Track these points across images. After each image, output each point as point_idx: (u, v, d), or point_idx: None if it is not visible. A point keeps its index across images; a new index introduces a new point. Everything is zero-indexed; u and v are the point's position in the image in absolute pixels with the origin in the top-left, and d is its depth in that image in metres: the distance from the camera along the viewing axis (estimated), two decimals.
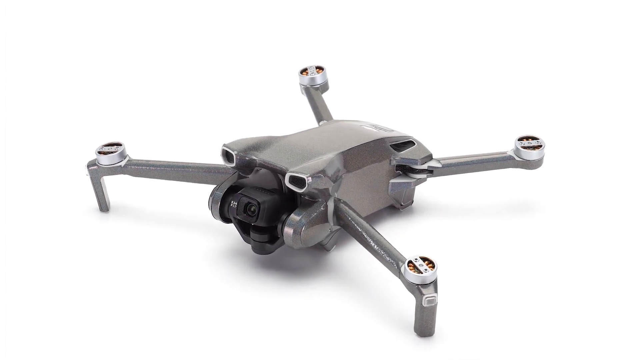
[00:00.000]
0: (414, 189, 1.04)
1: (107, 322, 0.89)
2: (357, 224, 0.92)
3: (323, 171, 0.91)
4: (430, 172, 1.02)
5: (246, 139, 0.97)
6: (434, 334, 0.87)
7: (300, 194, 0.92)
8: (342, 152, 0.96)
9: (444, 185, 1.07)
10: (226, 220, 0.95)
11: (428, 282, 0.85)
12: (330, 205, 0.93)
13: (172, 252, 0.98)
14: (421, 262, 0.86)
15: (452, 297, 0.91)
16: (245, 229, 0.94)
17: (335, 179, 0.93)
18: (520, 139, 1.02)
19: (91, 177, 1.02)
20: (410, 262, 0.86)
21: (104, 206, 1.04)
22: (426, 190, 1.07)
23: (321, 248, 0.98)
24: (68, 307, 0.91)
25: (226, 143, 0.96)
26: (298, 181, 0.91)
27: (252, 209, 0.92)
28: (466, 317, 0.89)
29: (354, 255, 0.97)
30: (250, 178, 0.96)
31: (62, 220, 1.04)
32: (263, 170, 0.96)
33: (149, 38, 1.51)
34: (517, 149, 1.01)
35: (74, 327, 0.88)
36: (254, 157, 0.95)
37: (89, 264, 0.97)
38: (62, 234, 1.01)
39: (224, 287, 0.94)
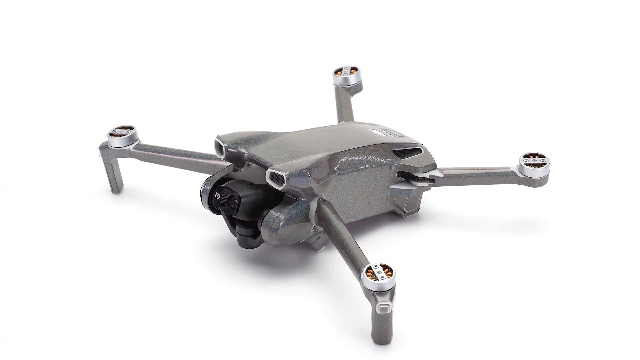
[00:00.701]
0: (418, 196, 1.02)
1: (91, 304, 0.92)
2: (333, 226, 0.92)
3: (305, 170, 0.91)
4: (432, 181, 1.00)
5: (241, 132, 0.98)
6: (391, 342, 0.86)
7: (280, 191, 0.92)
8: (335, 154, 0.95)
9: (452, 195, 1.05)
10: (214, 210, 0.96)
11: (384, 290, 0.84)
12: (313, 205, 0.93)
13: (166, 239, 1.00)
14: (380, 269, 0.85)
15: (428, 308, 0.90)
16: (232, 221, 0.96)
17: (321, 180, 0.93)
18: (526, 156, 0.99)
19: (103, 159, 1.06)
20: (369, 268, 0.85)
21: (114, 188, 1.07)
22: (433, 199, 1.05)
23: (311, 247, 0.98)
24: (58, 291, 0.94)
25: (220, 135, 0.97)
26: (277, 178, 0.91)
27: (234, 202, 0.93)
28: (436, 329, 0.88)
29: (341, 258, 0.97)
30: (242, 171, 0.97)
31: (73, 200, 1.07)
32: (255, 165, 0.97)
33: (179, 24, 1.53)
34: (520, 165, 0.98)
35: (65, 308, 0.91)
36: (243, 151, 0.96)
37: (84, 245, 1.00)
38: (70, 214, 1.05)
39: (204, 276, 0.95)
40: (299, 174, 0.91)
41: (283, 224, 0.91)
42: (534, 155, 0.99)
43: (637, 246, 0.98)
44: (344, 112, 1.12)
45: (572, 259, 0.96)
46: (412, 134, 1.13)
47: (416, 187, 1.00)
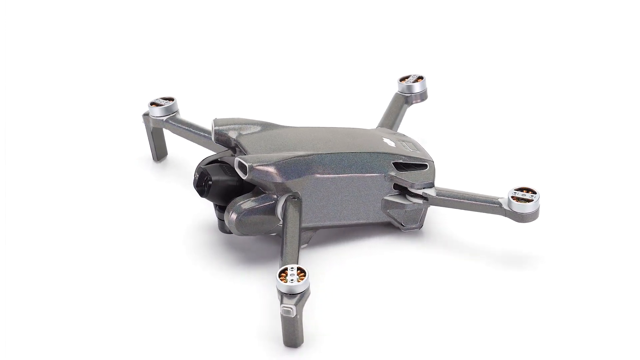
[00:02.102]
0: (419, 212, 1.00)
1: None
2: (286, 223, 0.93)
3: (271, 165, 0.93)
4: (426, 199, 0.98)
5: (239, 118, 1.01)
6: (301, 346, 0.86)
7: (249, 181, 0.94)
8: (317, 154, 0.96)
9: (459, 215, 1.02)
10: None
11: (293, 293, 0.84)
12: (282, 200, 0.94)
13: (185, 215, 1.05)
14: (295, 272, 0.85)
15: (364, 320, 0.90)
16: (217, 205, 0.99)
17: (290, 177, 0.94)
18: (518, 190, 0.95)
19: (145, 126, 1.12)
20: (285, 270, 0.86)
21: (154, 156, 1.13)
22: (439, 216, 1.03)
23: (302, 242, 0.98)
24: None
25: (217, 117, 1.01)
26: (242, 167, 0.93)
27: (206, 183, 0.96)
28: (352, 340, 0.88)
29: (319, 257, 0.98)
30: (233, 157, 1.00)
31: (113, 166, 1.14)
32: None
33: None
34: (509, 199, 0.94)
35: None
36: (232, 136, 0.99)
37: (110, 208, 1.07)
38: (106, 178, 1.11)
39: (178, 257, 0.99)
40: (264, 166, 0.93)
41: (244, 214, 0.93)
42: (527, 190, 0.94)
43: (626, 280, 0.92)
44: (386, 118, 1.11)
45: (562, 298, 0.91)
46: (440, 149, 1.10)
47: (410, 203, 0.98)
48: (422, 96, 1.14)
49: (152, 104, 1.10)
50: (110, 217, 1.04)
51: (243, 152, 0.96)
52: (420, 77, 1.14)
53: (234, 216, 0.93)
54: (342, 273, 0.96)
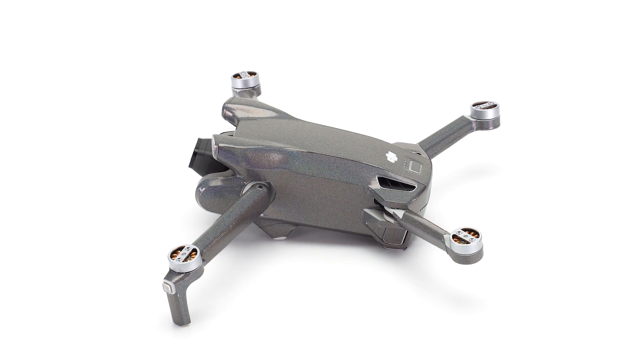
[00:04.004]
0: (399, 231, 0.96)
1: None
2: (229, 207, 0.94)
3: (239, 149, 0.95)
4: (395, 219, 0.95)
5: (256, 101, 1.03)
6: (187, 325, 0.88)
7: (218, 160, 0.98)
8: (300, 152, 0.95)
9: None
10: None
11: (176, 271, 0.86)
12: (247, 186, 0.97)
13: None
14: (187, 252, 0.86)
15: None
16: None
17: (260, 166, 0.95)
18: (463, 230, 0.89)
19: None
20: (181, 248, 0.88)
21: None
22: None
23: (283, 231, 0.99)
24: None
25: (233, 96, 1.04)
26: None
27: (193, 154, 1.00)
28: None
29: (286, 252, 0.98)
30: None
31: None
32: None
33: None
34: (450, 238, 0.88)
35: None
36: (237, 116, 1.02)
37: None
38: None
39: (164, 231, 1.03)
40: (230, 149, 0.95)
41: (206, 190, 0.97)
42: (469, 230, 0.88)
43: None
44: (432, 139, 1.06)
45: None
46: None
47: (383, 220, 0.96)
48: (495, 123, 1.08)
49: (235, 76, 1.14)
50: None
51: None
52: (494, 105, 1.08)
53: (199, 190, 0.96)
54: (290, 271, 0.95)
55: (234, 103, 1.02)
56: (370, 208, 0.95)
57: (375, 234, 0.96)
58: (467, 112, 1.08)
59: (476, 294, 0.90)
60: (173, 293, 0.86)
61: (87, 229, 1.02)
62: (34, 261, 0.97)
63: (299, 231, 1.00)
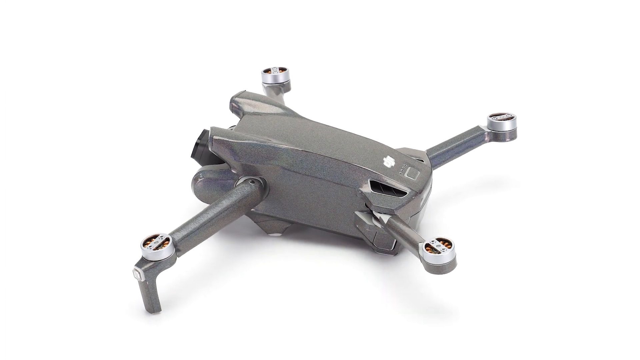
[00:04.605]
0: (388, 236, 0.95)
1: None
2: (217, 201, 0.95)
3: (232, 142, 0.95)
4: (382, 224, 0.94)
5: (266, 97, 1.04)
6: (158, 313, 0.89)
7: (212, 152, 0.98)
8: (293, 150, 0.95)
9: None
10: None
11: (146, 259, 0.87)
12: (240, 181, 0.97)
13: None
14: (159, 241, 0.87)
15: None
16: None
17: (251, 160, 0.95)
18: (438, 240, 0.88)
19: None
20: (155, 236, 0.89)
21: None
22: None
23: (278, 228, 0.99)
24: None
25: (246, 90, 1.05)
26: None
27: (195, 144, 1.01)
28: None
29: (275, 248, 0.98)
30: None
31: None
32: None
33: None
34: (423, 249, 0.87)
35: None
36: (243, 110, 1.02)
37: None
38: None
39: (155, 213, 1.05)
40: (223, 141, 0.96)
41: (200, 181, 0.98)
42: (443, 240, 0.87)
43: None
44: (442, 146, 1.04)
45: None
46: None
47: (371, 223, 0.95)
48: (511, 135, 1.05)
49: (265, 71, 1.16)
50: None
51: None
52: (511, 117, 1.05)
53: (194, 180, 0.98)
54: (276, 268, 0.95)
55: (242, 97, 1.03)
56: (362, 211, 0.94)
57: (366, 237, 0.95)
58: (484, 123, 1.05)
59: (457, 306, 0.88)
60: (142, 280, 0.87)
61: (87, 215, 1.04)
62: (27, 248, 1.00)
63: (294, 229, 1.00)
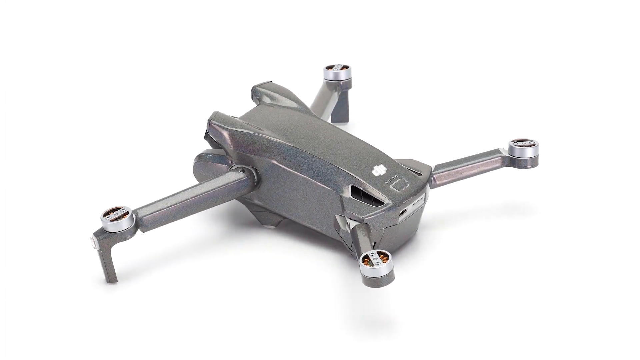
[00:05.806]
0: None
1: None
2: (198, 184, 0.96)
3: (228, 129, 0.96)
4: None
5: (285, 89, 1.04)
6: (115, 283, 0.91)
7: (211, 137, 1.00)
8: (284, 144, 0.95)
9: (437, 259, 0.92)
10: None
11: (106, 230, 0.89)
12: (232, 168, 0.98)
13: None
14: (118, 214, 0.89)
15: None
16: None
17: (244, 150, 0.96)
18: (375, 254, 0.85)
19: None
20: (114, 210, 0.91)
21: None
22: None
23: (271, 220, 0.99)
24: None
25: (271, 80, 1.07)
26: None
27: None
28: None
29: (265, 240, 0.98)
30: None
31: None
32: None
33: None
34: (361, 265, 0.84)
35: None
36: (261, 101, 1.03)
37: None
38: None
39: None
40: (220, 127, 0.97)
41: (198, 162, 0.99)
42: (383, 254, 0.84)
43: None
44: (452, 163, 1.00)
45: None
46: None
47: (345, 230, 0.93)
48: (533, 162, 1.00)
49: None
50: None
51: None
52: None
53: (194, 160, 1.00)
54: (257, 260, 0.95)
55: (264, 87, 1.03)
56: (339, 214, 0.92)
57: (344, 242, 0.93)
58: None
59: (406, 321, 0.86)
60: (97, 249, 0.89)
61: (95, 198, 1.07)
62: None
63: (289, 224, 0.99)
